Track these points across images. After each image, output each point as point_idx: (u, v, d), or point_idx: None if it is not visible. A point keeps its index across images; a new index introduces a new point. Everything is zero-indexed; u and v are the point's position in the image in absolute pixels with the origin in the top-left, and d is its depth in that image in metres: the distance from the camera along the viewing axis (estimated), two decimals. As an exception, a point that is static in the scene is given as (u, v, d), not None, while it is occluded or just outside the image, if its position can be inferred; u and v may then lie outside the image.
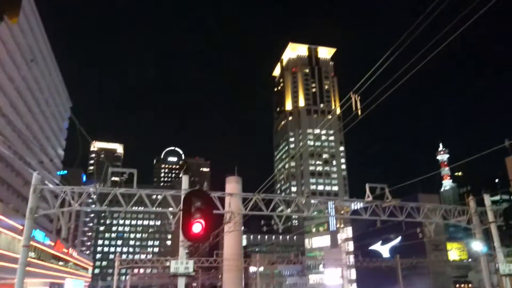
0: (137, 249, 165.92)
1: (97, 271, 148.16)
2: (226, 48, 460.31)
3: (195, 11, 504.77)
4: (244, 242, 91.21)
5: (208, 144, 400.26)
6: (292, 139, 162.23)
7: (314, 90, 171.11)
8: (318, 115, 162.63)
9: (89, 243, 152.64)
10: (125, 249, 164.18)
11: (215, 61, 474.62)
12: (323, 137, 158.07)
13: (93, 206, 17.56)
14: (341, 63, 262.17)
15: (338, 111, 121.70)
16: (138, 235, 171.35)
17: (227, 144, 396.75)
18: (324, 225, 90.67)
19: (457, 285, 65.59)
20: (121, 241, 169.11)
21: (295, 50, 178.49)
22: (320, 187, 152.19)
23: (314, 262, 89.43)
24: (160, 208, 17.23)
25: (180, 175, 18.72)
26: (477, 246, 19.65)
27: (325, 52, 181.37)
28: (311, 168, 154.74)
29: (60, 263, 59.63)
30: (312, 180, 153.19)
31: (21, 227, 35.05)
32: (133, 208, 16.67)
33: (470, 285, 64.07)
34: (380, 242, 65.16)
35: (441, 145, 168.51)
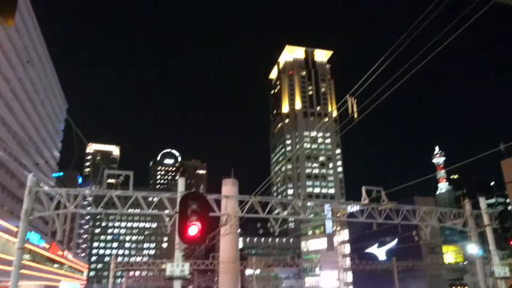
0: (133, 252, 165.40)
1: (92, 273, 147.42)
2: (226, 48, 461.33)
3: (195, 11, 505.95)
4: (241, 245, 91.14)
5: (205, 147, 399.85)
6: (288, 142, 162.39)
7: (310, 92, 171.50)
8: (315, 117, 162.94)
9: (84, 246, 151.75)
10: (120, 252, 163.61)
11: (215, 61, 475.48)
12: (320, 140, 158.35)
13: (89, 208, 17.51)
14: (338, 66, 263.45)
15: (335, 113, 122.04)
16: (134, 238, 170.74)
17: (224, 146, 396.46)
18: (321, 228, 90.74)
19: (453, 288, 65.71)
20: (116, 243, 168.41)
21: (292, 53, 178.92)
22: (317, 190, 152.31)
23: (310, 264, 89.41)
24: (156, 211, 17.18)
25: (177, 178, 18.69)
26: (473, 249, 19.72)
27: (322, 55, 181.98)
28: (308, 170, 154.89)
29: (55, 265, 59.27)
30: (309, 183, 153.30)
31: (16, 229, 34.84)
32: (129, 210, 16.59)
33: (465, 287, 64.19)
34: (377, 244, 65.22)
35: (437, 148, 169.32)
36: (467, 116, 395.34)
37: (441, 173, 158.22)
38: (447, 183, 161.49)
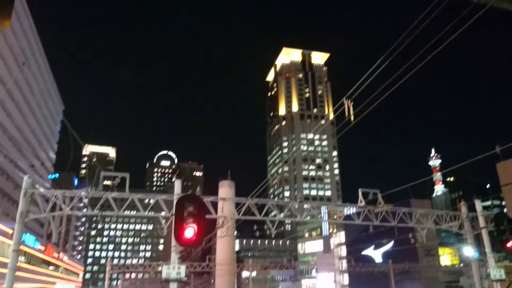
0: (129, 254, 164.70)
1: (88, 276, 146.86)
2: (226, 48, 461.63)
3: (195, 11, 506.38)
4: (237, 247, 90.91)
5: (202, 149, 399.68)
6: (285, 144, 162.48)
7: (307, 95, 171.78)
8: (312, 120, 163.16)
9: (80, 248, 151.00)
10: (116, 254, 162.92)
11: (213, 62, 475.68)
12: (316, 142, 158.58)
13: (85, 210, 17.42)
14: (335, 68, 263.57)
15: (332, 116, 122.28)
16: (130, 240, 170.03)
17: (221, 148, 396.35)
18: (317, 230, 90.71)
19: (449, 290, 65.81)
20: (112, 245, 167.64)
21: (288, 55, 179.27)
22: (313, 192, 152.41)
23: (306, 267, 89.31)
24: (153, 213, 17.14)
25: (173, 180, 18.65)
26: (469, 251, 19.78)
27: (319, 57, 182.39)
28: (304, 173, 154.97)
29: (51, 268, 58.93)
30: (305, 185, 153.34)
31: (11, 231, 34.68)
32: (125, 212, 16.52)
33: (461, 290, 64.33)
34: (373, 247, 65.26)
35: (433, 151, 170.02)
36: (463, 119, 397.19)
37: (437, 175, 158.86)
38: (443, 185, 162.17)
